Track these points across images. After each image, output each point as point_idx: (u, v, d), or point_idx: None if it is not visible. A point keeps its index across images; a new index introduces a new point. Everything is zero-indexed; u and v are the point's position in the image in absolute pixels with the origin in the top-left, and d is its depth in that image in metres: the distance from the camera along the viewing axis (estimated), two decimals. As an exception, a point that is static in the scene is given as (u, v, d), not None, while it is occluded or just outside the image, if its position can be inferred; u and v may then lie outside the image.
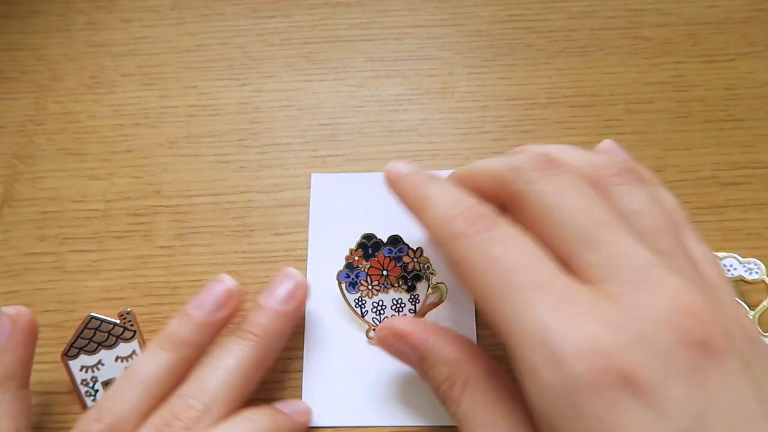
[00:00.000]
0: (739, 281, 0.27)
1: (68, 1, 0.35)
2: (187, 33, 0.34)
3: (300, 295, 0.25)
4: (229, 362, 0.23)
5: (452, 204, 0.21)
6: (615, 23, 0.34)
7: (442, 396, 0.22)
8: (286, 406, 0.25)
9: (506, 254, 0.18)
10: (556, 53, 0.33)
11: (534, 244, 0.19)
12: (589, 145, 0.31)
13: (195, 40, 0.34)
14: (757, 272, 0.27)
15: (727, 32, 0.33)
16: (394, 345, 0.23)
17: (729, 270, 0.27)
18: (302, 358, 0.27)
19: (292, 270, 0.26)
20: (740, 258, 0.27)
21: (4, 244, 0.30)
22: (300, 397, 0.26)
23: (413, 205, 0.22)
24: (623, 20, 0.34)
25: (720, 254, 0.28)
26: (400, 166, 0.24)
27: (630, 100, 0.32)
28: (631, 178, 0.21)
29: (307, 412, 0.25)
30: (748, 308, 0.27)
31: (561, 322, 0.16)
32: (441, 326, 0.23)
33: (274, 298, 0.25)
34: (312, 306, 0.28)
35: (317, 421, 0.26)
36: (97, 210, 0.30)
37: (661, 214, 0.20)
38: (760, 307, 0.27)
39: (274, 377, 0.27)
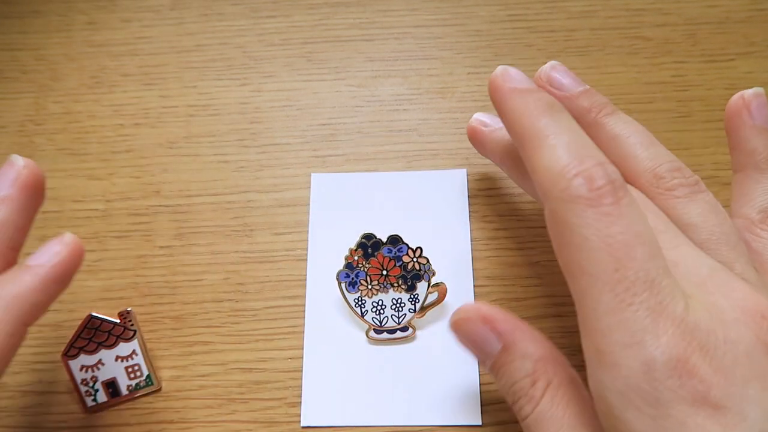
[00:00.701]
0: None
1: (68, 1, 0.35)
2: (187, 33, 0.34)
3: (23, 178, 0.22)
4: None
5: (577, 154, 0.18)
6: (615, 23, 0.34)
7: (517, 392, 0.20)
8: (35, 257, 0.21)
9: (625, 238, 0.17)
10: (556, 53, 0.33)
11: (651, 229, 0.17)
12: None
13: (195, 40, 0.34)
14: (757, 272, 0.27)
15: (727, 32, 0.33)
16: (475, 329, 0.21)
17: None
18: (302, 358, 0.27)
19: (14, 156, 0.22)
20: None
21: (4, 244, 0.30)
22: (300, 397, 0.26)
23: (523, 136, 0.19)
24: (623, 20, 0.34)
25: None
26: (517, 76, 0.20)
27: (630, 100, 0.32)
28: (686, 191, 0.20)
29: (63, 251, 0.21)
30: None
31: (657, 328, 0.16)
32: (525, 322, 0.21)
33: None
34: (312, 306, 0.28)
35: (317, 421, 0.26)
36: (97, 210, 0.30)
37: (715, 225, 0.20)
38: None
39: (275, 377, 0.27)
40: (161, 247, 0.29)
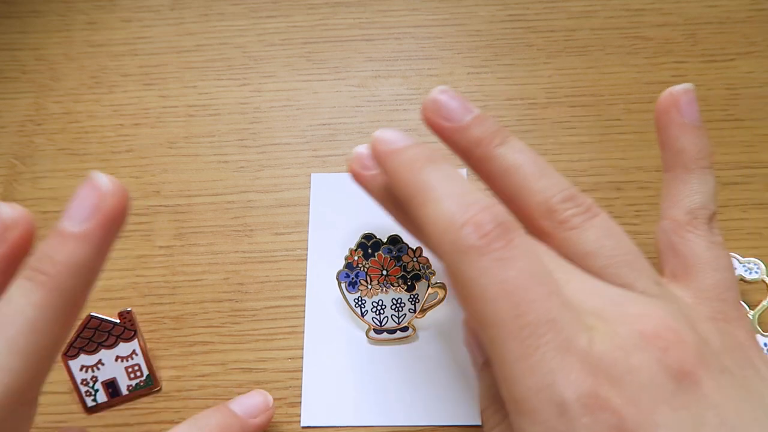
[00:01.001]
0: (739, 281, 0.27)
1: (68, 1, 0.35)
2: (187, 33, 0.34)
3: (106, 207, 0.18)
4: (8, 314, 0.17)
5: (462, 202, 0.17)
6: (615, 23, 0.34)
7: (490, 398, 0.20)
8: (238, 404, 0.23)
9: (520, 281, 0.16)
10: (556, 53, 0.33)
11: (547, 266, 0.17)
12: (588, 145, 0.31)
13: (195, 40, 0.34)
14: (756, 272, 0.27)
15: (727, 32, 0.33)
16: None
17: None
18: (302, 358, 0.27)
19: (97, 175, 0.18)
20: (740, 258, 0.27)
21: (4, 244, 0.30)
22: (300, 397, 0.26)
23: (407, 195, 0.19)
24: (623, 20, 0.34)
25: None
26: (393, 137, 0.20)
27: (630, 100, 0.32)
28: (579, 220, 0.19)
29: (265, 409, 0.24)
30: (747, 308, 0.27)
31: (564, 367, 0.16)
32: None
33: (69, 217, 0.18)
34: (312, 306, 0.28)
35: (317, 421, 0.26)
36: (97, 210, 0.30)
37: (612, 249, 0.19)
38: (760, 306, 0.26)
39: (275, 377, 0.27)
40: (161, 247, 0.29)
